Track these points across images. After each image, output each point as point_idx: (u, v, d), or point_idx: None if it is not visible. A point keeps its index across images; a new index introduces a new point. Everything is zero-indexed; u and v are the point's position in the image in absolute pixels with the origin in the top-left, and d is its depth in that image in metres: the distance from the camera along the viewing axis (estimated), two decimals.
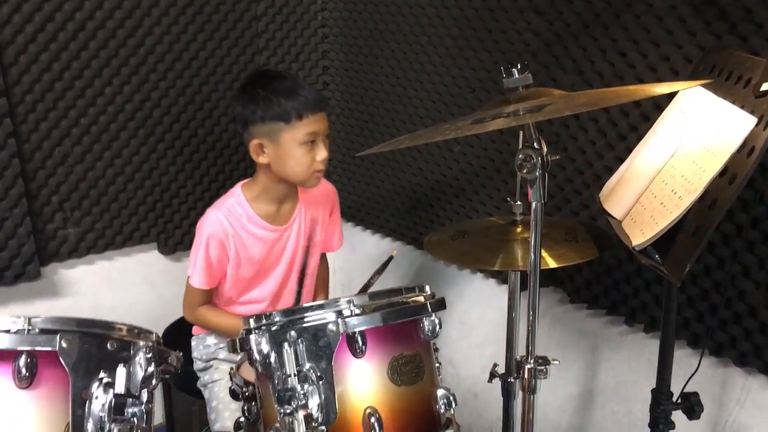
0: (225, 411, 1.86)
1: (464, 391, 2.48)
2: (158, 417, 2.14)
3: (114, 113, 2.25)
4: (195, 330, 2.05)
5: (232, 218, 1.84)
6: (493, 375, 1.71)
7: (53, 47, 2.10)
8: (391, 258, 2.04)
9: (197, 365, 2.01)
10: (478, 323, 2.39)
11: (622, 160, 1.63)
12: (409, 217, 2.49)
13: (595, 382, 2.07)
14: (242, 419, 1.46)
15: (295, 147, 1.76)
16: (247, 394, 1.43)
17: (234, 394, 1.51)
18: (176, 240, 2.48)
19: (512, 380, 1.68)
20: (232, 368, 1.53)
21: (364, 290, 1.90)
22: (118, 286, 2.46)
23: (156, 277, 2.49)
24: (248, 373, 1.41)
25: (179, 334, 2.13)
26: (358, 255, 2.83)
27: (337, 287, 2.97)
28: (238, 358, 1.78)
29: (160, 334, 2.19)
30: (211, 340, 1.99)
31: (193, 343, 2.04)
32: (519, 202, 1.63)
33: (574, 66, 1.85)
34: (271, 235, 1.90)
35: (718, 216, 1.20)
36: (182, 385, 2.12)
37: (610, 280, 1.89)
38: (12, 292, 2.20)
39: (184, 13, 2.29)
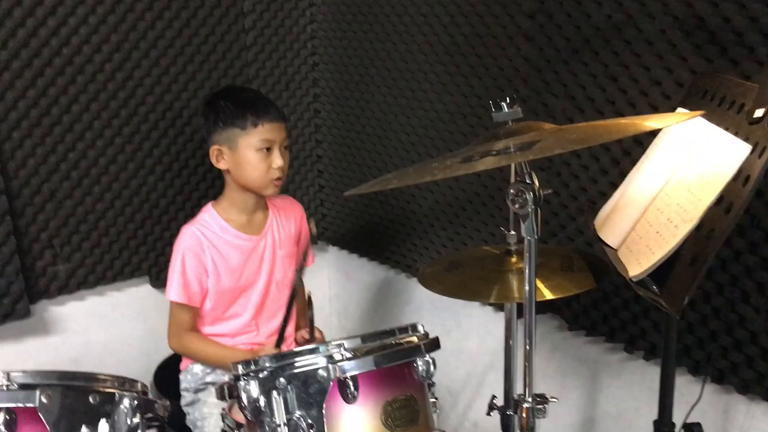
0: None
1: (463, 420, 2.45)
2: None
3: (103, 147, 2.23)
4: (182, 364, 2.02)
5: (205, 230, 1.93)
6: (491, 408, 1.67)
7: (40, 82, 2.08)
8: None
9: (185, 399, 1.98)
10: (476, 351, 2.36)
11: (615, 186, 1.61)
12: (403, 244, 2.47)
13: (596, 410, 2.04)
14: None
15: (251, 153, 1.86)
16: None
17: None
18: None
19: (511, 413, 1.64)
20: (224, 409, 1.49)
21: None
22: (110, 321, 2.42)
23: (148, 311, 2.45)
24: (240, 416, 1.37)
25: (173, 370, 2.10)
26: (353, 282, 2.81)
27: (332, 315, 2.94)
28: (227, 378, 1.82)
29: (153, 370, 2.22)
30: (198, 367, 1.98)
31: (181, 377, 2.02)
32: (513, 232, 1.60)
33: (564, 91, 1.84)
34: (246, 244, 1.96)
35: (716, 246, 1.18)
36: (174, 424, 2.08)
37: (609, 307, 1.87)
38: (1, 331, 2.16)
39: (172, 45, 2.27)
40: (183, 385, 2.00)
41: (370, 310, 2.76)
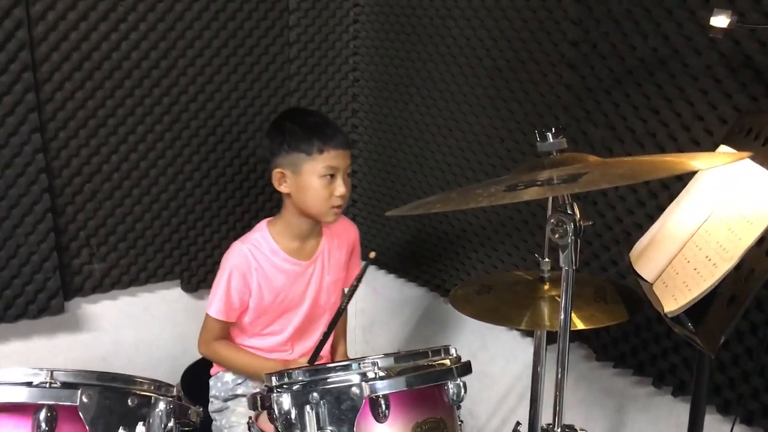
0: None
1: None
2: None
3: (145, 151, 2.27)
4: (213, 370, 2.04)
5: (256, 252, 1.90)
6: None
7: (89, 85, 2.13)
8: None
9: (213, 405, 2.00)
10: (500, 375, 2.35)
11: (652, 218, 1.60)
12: (434, 263, 2.47)
13: None
14: None
15: (314, 179, 1.83)
16: None
17: None
18: (199, 278, 2.48)
19: None
20: (250, 418, 1.51)
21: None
22: (141, 322, 2.46)
23: (178, 314, 2.49)
24: (267, 426, 1.39)
25: (200, 374, 2.13)
26: (380, 299, 2.81)
27: (357, 329, 2.95)
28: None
29: (181, 373, 2.24)
30: (229, 376, 1.99)
31: (211, 383, 2.03)
32: (547, 259, 1.60)
33: (605, 121, 1.84)
34: (294, 269, 1.93)
35: (756, 287, 1.17)
36: (200, 429, 2.10)
37: (639, 340, 1.85)
38: (35, 325, 2.20)
39: (218, 54, 2.32)
40: (212, 392, 2.01)
41: (396, 327, 2.77)
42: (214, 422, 1.98)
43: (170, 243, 2.40)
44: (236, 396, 1.96)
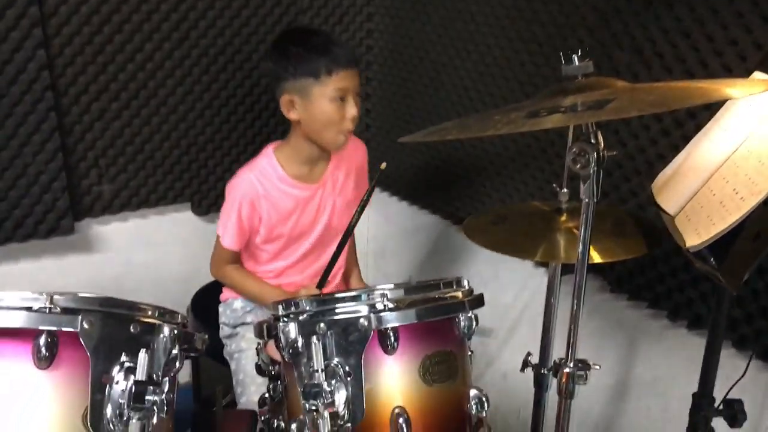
0: (251, 385, 1.85)
1: (493, 371, 2.44)
2: (185, 376, 2.13)
3: (153, 70, 2.20)
4: (223, 296, 2.04)
5: (263, 179, 1.86)
6: (525, 364, 1.66)
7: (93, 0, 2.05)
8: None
9: (224, 331, 2.00)
10: (511, 304, 2.33)
11: (676, 149, 1.53)
12: (447, 191, 2.42)
13: (630, 375, 2.01)
14: (267, 396, 1.44)
15: (325, 103, 1.77)
16: (273, 372, 1.40)
17: (260, 370, 1.48)
18: (210, 201, 2.45)
19: (545, 372, 1.62)
20: (259, 343, 1.50)
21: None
22: (151, 244, 2.44)
23: (188, 237, 2.47)
24: (275, 353, 1.38)
25: (211, 296, 2.12)
26: (392, 226, 2.78)
27: (369, 255, 2.92)
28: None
29: (192, 294, 2.24)
30: (238, 304, 1.98)
31: (220, 310, 2.03)
32: (566, 189, 1.54)
33: (632, 44, 1.75)
34: (303, 194, 1.90)
35: None
36: (210, 352, 2.11)
37: (655, 273, 1.81)
38: (45, 245, 2.19)
39: None
40: (222, 319, 2.01)
41: (408, 254, 2.74)
42: (225, 347, 1.99)
43: (180, 165, 2.36)
44: (245, 323, 1.96)
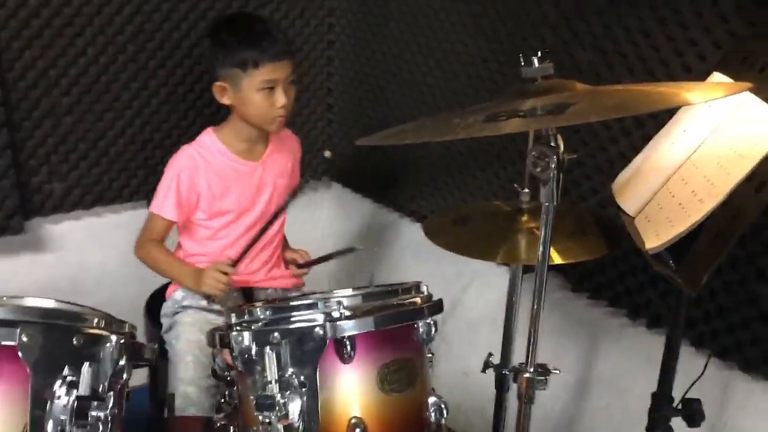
0: (180, 363, 1.77)
1: (455, 369, 2.43)
2: (142, 378, 2.07)
3: (105, 64, 2.14)
4: (168, 292, 1.99)
5: (203, 151, 1.90)
6: (487, 365, 1.65)
7: None
8: (352, 250, 1.98)
9: (164, 326, 1.93)
10: (474, 302, 2.32)
11: (636, 149, 1.53)
12: (408, 188, 2.40)
13: (590, 374, 2.01)
14: (223, 402, 1.40)
15: (252, 93, 1.81)
16: (229, 378, 1.36)
17: (216, 375, 1.43)
18: None
19: (507, 372, 1.62)
20: (215, 347, 1.45)
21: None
22: (106, 243, 2.37)
23: None
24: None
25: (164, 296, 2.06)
26: (353, 222, 2.76)
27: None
28: (204, 303, 1.86)
29: (148, 296, 2.18)
30: (178, 294, 1.94)
31: (163, 305, 1.97)
32: (527, 190, 1.53)
33: (594, 43, 1.74)
34: (243, 169, 1.93)
35: (742, 226, 1.12)
36: (165, 355, 2.05)
37: (615, 272, 1.82)
38: None
39: None
40: (163, 311, 1.95)
41: (370, 252, 2.71)
42: (166, 344, 1.91)
43: (135, 162, 2.30)
44: (183, 308, 1.91)
